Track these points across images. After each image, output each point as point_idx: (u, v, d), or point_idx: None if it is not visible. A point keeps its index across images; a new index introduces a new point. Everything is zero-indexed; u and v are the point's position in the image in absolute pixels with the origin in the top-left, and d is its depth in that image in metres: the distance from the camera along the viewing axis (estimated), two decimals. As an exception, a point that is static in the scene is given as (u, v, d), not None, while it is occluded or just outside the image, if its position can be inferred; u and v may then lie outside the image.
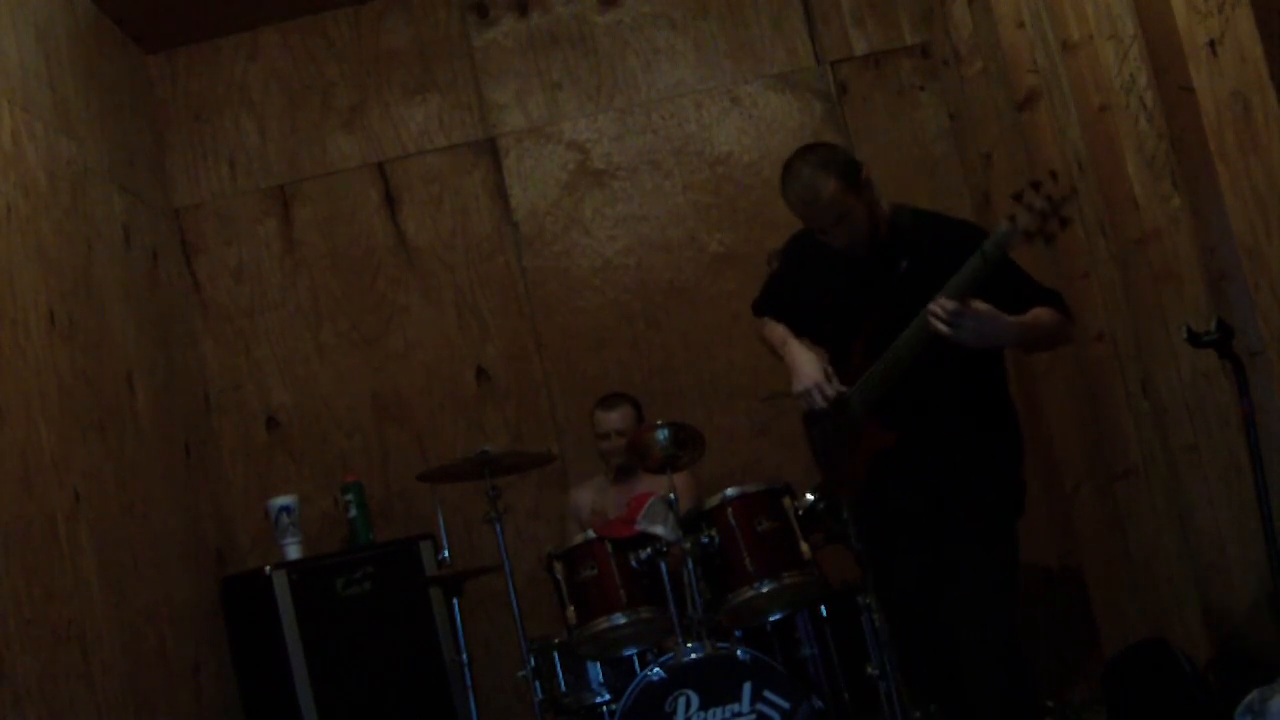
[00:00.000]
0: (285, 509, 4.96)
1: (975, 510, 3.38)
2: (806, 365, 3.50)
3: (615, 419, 4.76)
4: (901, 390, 3.36)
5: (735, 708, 3.82)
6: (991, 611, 3.35)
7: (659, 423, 4.15)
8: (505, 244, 5.43)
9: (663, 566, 4.00)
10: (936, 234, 3.38)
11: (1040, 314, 3.35)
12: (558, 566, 4.16)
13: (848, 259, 3.48)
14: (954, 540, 3.37)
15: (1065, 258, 4.28)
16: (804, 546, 4.01)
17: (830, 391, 3.44)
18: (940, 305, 3.13)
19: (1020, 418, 3.58)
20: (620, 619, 4.02)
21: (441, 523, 4.33)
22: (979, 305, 3.15)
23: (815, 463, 3.75)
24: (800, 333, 3.65)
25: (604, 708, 4.12)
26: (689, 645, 3.88)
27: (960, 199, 5.24)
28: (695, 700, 3.82)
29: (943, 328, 3.14)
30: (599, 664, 4.23)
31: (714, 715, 3.82)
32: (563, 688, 4.24)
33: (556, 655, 4.26)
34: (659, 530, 4.06)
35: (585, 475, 5.04)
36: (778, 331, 3.68)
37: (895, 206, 3.49)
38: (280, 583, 4.61)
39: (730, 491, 4.09)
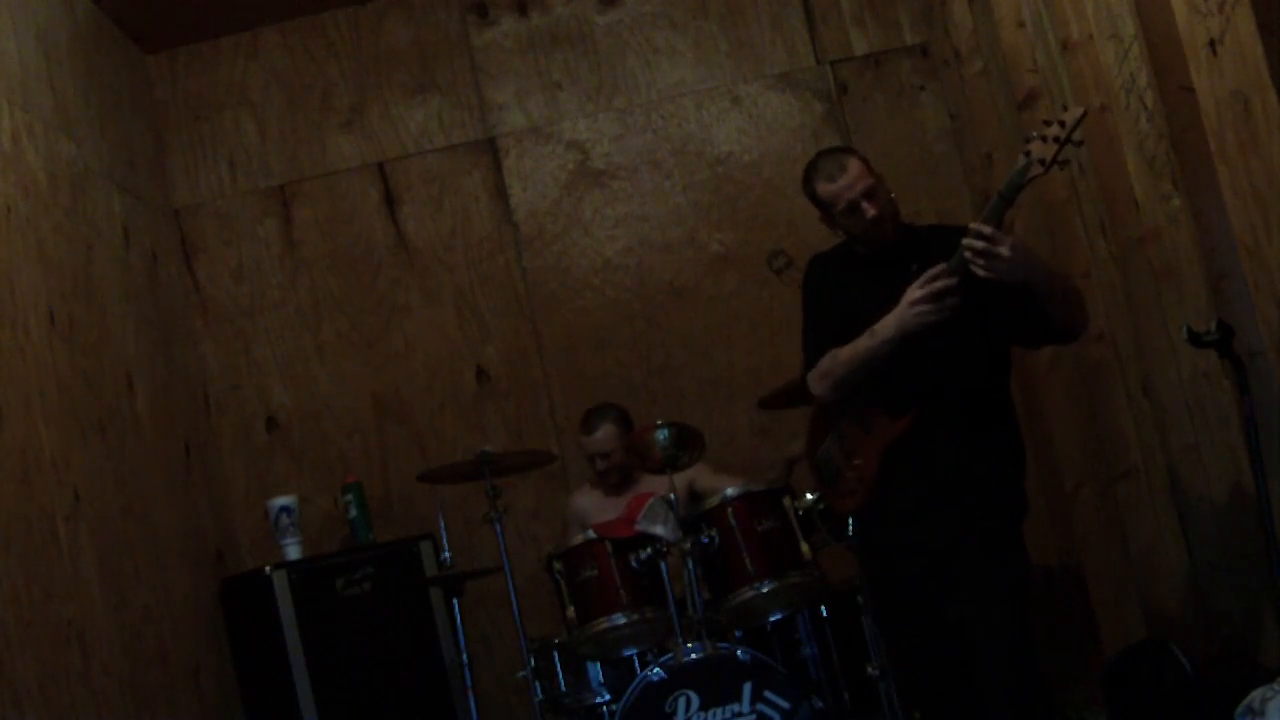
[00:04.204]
0: (285, 509, 4.96)
1: (985, 511, 3.37)
2: (896, 311, 3.31)
3: (600, 440, 4.63)
4: (911, 381, 3.37)
5: (735, 708, 3.82)
6: (1008, 616, 3.33)
7: (659, 423, 4.16)
8: (505, 244, 5.43)
9: (663, 566, 4.01)
10: (944, 238, 3.40)
11: (1064, 278, 3.45)
12: (558, 566, 4.17)
13: (862, 268, 3.52)
14: (965, 543, 3.36)
15: (1065, 257, 4.28)
16: (804, 546, 4.01)
17: (937, 286, 3.25)
18: (977, 227, 3.15)
19: (1020, 422, 3.58)
20: (620, 619, 4.02)
21: (441, 523, 4.33)
22: (1014, 236, 3.24)
23: (817, 482, 3.72)
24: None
25: (604, 708, 4.12)
26: (689, 645, 3.89)
27: (961, 199, 5.24)
28: (695, 700, 3.82)
29: (979, 258, 3.14)
30: (599, 664, 4.24)
31: (714, 715, 3.82)
32: (563, 688, 4.24)
33: (556, 655, 4.26)
34: (659, 530, 4.07)
35: (585, 478, 5.03)
36: (837, 352, 3.46)
37: (904, 222, 3.56)
38: (280, 583, 4.61)
39: (730, 491, 4.09)
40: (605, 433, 4.64)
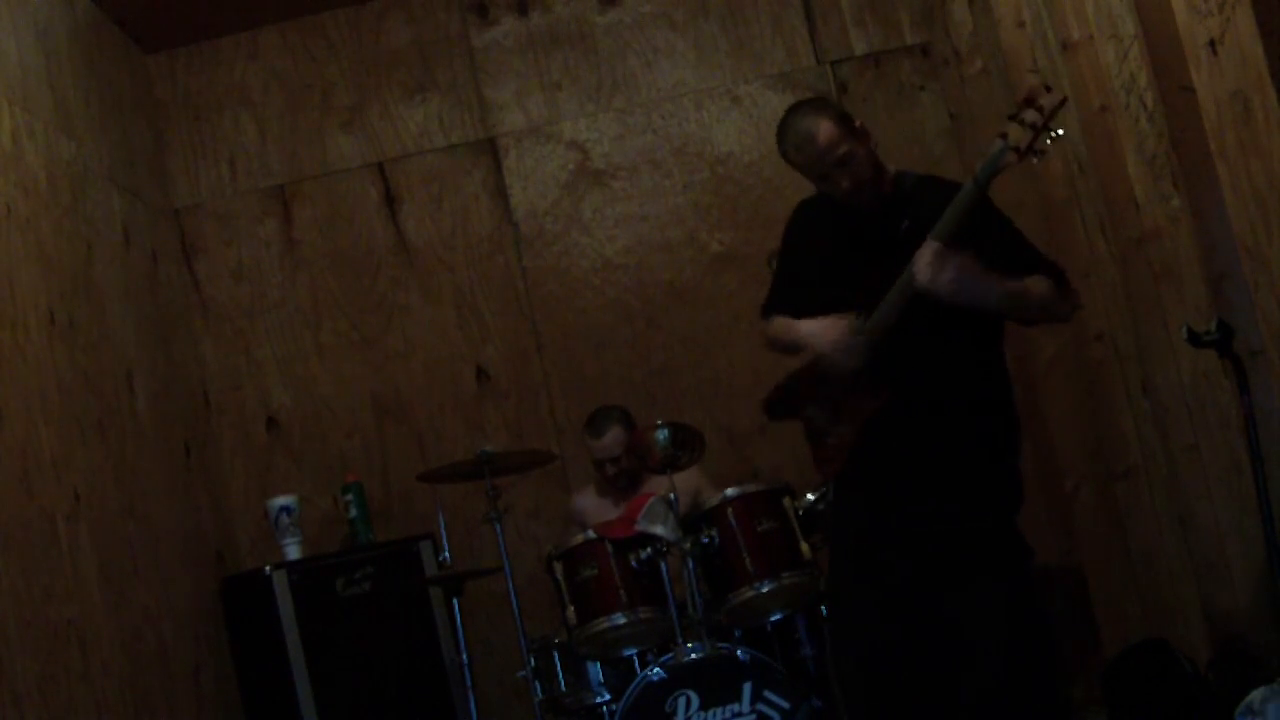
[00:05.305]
0: (285, 509, 4.96)
1: (972, 507, 3.22)
2: (822, 325, 3.31)
3: (609, 445, 4.61)
4: (897, 358, 3.23)
5: (735, 708, 3.82)
6: (1011, 625, 3.18)
7: (659, 423, 4.15)
8: (505, 244, 5.43)
9: (663, 566, 4.01)
10: (939, 194, 3.22)
11: (1033, 284, 3.23)
12: (558, 566, 4.17)
13: (849, 221, 3.35)
14: (953, 541, 3.21)
15: (1065, 257, 4.27)
16: (804, 546, 4.01)
17: (845, 330, 3.25)
18: (924, 249, 3.04)
19: (1017, 406, 3.47)
20: (620, 619, 4.03)
21: (441, 523, 4.33)
22: (963, 258, 3.05)
23: (806, 439, 3.58)
24: (809, 312, 3.44)
25: (604, 708, 4.13)
26: (689, 645, 3.89)
27: (960, 199, 5.23)
28: (695, 700, 3.82)
29: (922, 276, 3.04)
30: (599, 664, 4.24)
31: (714, 715, 3.82)
32: (563, 688, 4.24)
33: (556, 655, 4.26)
34: (659, 530, 4.07)
35: (586, 479, 5.03)
36: (780, 323, 3.51)
37: (900, 171, 3.40)
38: (280, 583, 4.61)
39: (730, 491, 4.09)
40: (613, 437, 4.62)
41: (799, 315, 3.42)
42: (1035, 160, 2.96)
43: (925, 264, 3.05)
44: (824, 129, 3.21)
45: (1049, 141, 2.91)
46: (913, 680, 3.29)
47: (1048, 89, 2.93)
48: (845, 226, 3.37)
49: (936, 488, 3.25)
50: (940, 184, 3.37)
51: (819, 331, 3.31)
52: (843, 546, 3.48)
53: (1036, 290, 3.23)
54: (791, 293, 3.51)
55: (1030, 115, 2.90)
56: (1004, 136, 2.93)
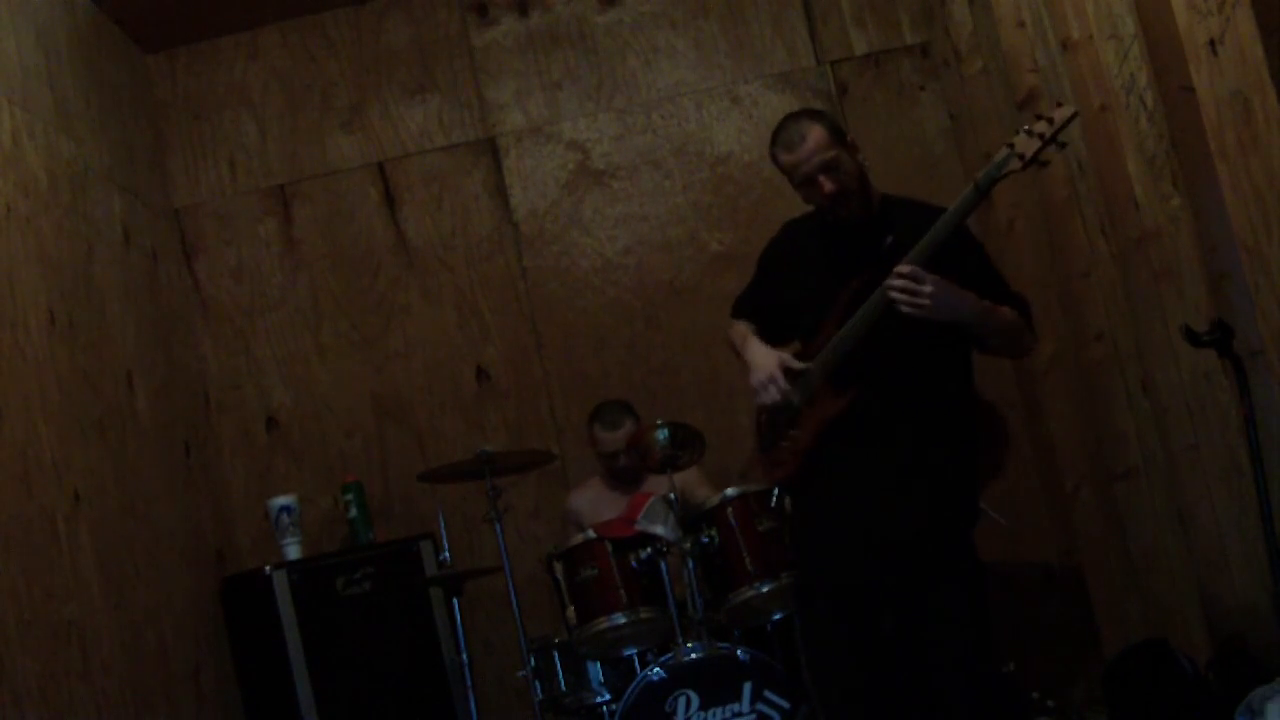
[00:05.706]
0: (285, 509, 4.96)
1: (927, 509, 3.21)
2: (763, 358, 3.44)
3: (623, 437, 4.62)
4: (862, 364, 3.26)
5: (735, 707, 3.82)
6: (967, 641, 3.21)
7: (659, 423, 4.16)
8: (505, 244, 5.43)
9: (663, 566, 4.01)
10: (926, 216, 3.26)
11: (1004, 309, 3.30)
12: (558, 566, 4.17)
13: (833, 238, 3.40)
14: (909, 548, 3.19)
15: (1065, 257, 4.28)
16: (804, 546, 4.00)
17: (784, 384, 3.35)
18: (899, 268, 3.09)
19: (976, 427, 3.47)
20: (620, 619, 4.02)
21: (442, 523, 4.33)
22: (937, 276, 3.11)
23: (757, 443, 3.61)
24: (778, 328, 3.56)
25: (604, 708, 4.13)
26: (689, 645, 3.89)
27: (960, 199, 5.23)
28: (695, 700, 3.82)
29: (900, 295, 3.08)
30: (599, 664, 4.24)
31: (714, 715, 3.82)
32: (563, 688, 4.24)
33: (556, 655, 4.26)
34: (659, 530, 4.07)
35: (583, 478, 5.03)
36: (739, 330, 3.65)
37: (886, 194, 3.44)
38: (280, 583, 4.61)
39: (730, 491, 4.09)
40: (626, 430, 4.64)
41: (772, 325, 3.57)
42: (1038, 168, 3.13)
43: (902, 281, 3.10)
44: (814, 132, 3.28)
45: (1054, 152, 3.03)
46: (886, 683, 3.31)
47: (1059, 104, 3.05)
48: (829, 242, 3.43)
49: (894, 495, 3.24)
50: (925, 207, 3.42)
51: (757, 360, 3.46)
52: (804, 550, 3.49)
53: (1009, 316, 3.32)
54: (762, 298, 3.67)
55: (1040, 126, 3.01)
56: (1010, 145, 3.03)
